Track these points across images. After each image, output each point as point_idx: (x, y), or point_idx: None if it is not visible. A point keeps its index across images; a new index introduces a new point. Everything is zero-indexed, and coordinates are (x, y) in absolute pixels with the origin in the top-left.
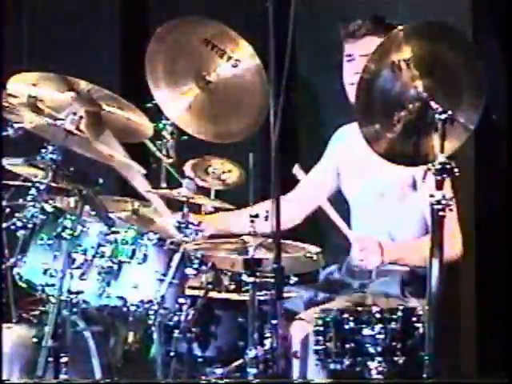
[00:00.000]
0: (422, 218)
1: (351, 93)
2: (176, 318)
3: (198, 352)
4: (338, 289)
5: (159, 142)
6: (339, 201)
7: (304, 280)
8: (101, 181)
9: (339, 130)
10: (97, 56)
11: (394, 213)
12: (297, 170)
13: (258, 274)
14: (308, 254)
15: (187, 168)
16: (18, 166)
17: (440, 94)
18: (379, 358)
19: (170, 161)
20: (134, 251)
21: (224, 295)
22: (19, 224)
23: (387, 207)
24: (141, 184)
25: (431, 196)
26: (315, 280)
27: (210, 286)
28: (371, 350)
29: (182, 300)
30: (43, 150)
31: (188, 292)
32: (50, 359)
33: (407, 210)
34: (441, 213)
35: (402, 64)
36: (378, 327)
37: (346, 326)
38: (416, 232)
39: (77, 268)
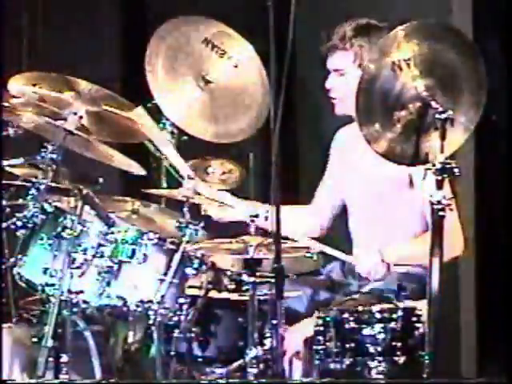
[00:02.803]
0: (421, 215)
1: (334, 104)
2: (176, 318)
3: (198, 352)
4: (338, 288)
5: None
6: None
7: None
8: (101, 180)
9: (337, 133)
10: (97, 56)
11: (392, 212)
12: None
13: (257, 273)
14: (308, 254)
15: None
16: (17, 167)
17: (440, 94)
18: (379, 358)
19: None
20: (133, 251)
21: (224, 295)
22: (19, 224)
23: (385, 207)
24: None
25: (431, 196)
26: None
27: (209, 286)
28: (371, 349)
29: (181, 300)
30: (43, 150)
31: (188, 292)
32: (50, 359)
33: (405, 209)
34: (441, 213)
35: (402, 64)
36: (378, 327)
37: (346, 326)
38: (415, 230)
39: (77, 268)
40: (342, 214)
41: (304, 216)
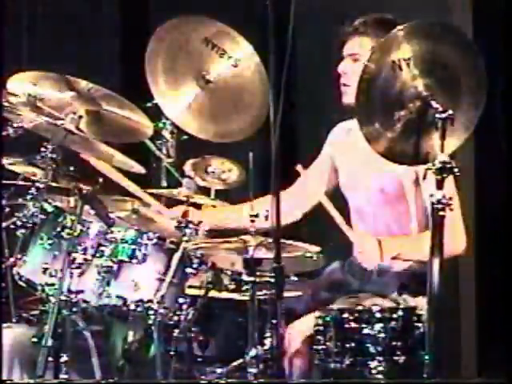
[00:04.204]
0: (424, 213)
1: (342, 92)
2: (176, 318)
3: (198, 352)
4: (339, 288)
5: (159, 142)
6: (338, 197)
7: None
8: (101, 180)
9: (337, 125)
10: (97, 56)
11: (394, 208)
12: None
13: (257, 273)
14: (308, 254)
15: (187, 167)
16: (18, 165)
17: (440, 94)
18: (379, 358)
19: (170, 160)
20: (133, 251)
21: (224, 295)
22: (19, 223)
23: (388, 203)
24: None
25: (431, 195)
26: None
27: (209, 286)
28: (371, 349)
29: (181, 299)
30: (43, 150)
31: (188, 292)
32: (50, 359)
33: (409, 206)
34: (441, 212)
35: (402, 63)
36: (378, 326)
37: (347, 326)
38: (418, 228)
39: (77, 268)
40: (344, 211)
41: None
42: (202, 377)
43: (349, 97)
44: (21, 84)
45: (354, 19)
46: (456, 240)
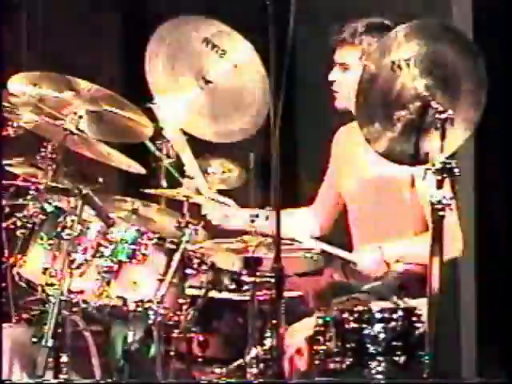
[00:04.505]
0: (421, 215)
1: (334, 97)
2: (176, 318)
3: (197, 352)
4: (339, 288)
5: (159, 142)
6: None
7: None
8: (100, 180)
9: (338, 131)
10: (97, 55)
11: (392, 210)
12: None
13: (257, 273)
14: (308, 254)
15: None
16: (18, 165)
17: (440, 94)
18: (379, 358)
19: (170, 161)
20: (133, 251)
21: (224, 295)
22: (19, 223)
23: (385, 205)
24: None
25: (431, 196)
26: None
27: (210, 286)
28: (371, 349)
29: (181, 300)
30: (43, 150)
31: (188, 292)
32: (50, 359)
33: (406, 208)
34: (441, 213)
35: (402, 63)
36: (378, 327)
37: (346, 326)
38: (416, 229)
39: (77, 268)
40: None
41: (305, 218)
42: (202, 377)
43: (340, 102)
44: (21, 84)
45: (344, 25)
46: (453, 243)
